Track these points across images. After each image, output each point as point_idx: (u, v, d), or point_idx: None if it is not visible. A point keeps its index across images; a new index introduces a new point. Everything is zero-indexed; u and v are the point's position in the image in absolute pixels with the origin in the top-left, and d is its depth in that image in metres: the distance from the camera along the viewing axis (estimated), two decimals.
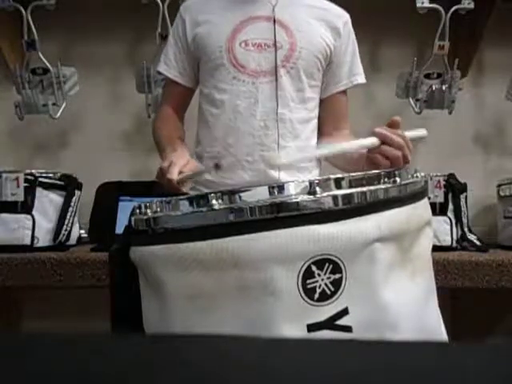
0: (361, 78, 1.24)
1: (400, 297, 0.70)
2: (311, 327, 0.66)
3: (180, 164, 0.98)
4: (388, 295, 0.69)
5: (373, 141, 0.89)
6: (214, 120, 1.17)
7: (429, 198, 0.83)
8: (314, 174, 1.20)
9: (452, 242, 1.63)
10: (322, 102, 1.23)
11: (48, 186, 1.61)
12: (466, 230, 1.67)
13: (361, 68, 1.24)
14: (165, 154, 1.14)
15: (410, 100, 1.89)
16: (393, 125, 0.90)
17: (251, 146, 1.13)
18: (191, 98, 1.30)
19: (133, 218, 0.76)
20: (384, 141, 0.88)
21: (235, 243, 0.66)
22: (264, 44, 1.13)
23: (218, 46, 1.14)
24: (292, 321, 0.66)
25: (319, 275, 0.65)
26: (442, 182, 1.64)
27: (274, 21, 1.14)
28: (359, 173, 0.72)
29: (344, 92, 1.25)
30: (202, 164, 1.17)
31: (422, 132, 0.96)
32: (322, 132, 1.24)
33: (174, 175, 0.96)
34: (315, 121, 1.21)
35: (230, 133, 1.14)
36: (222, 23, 1.15)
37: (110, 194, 1.79)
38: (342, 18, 1.20)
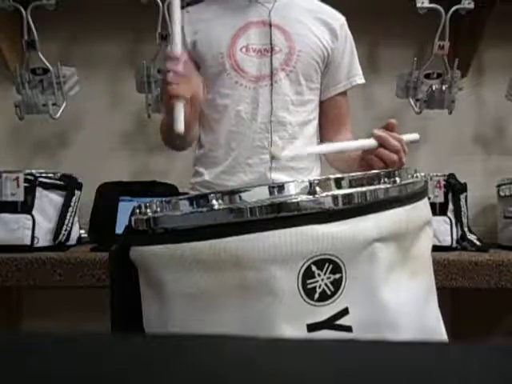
0: (359, 79, 1.24)
1: (400, 297, 0.70)
2: (311, 327, 0.66)
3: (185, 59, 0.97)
4: (388, 295, 0.69)
5: (371, 142, 0.91)
6: (217, 125, 1.17)
7: (429, 198, 0.83)
8: (314, 175, 1.20)
9: (452, 242, 1.63)
10: (322, 104, 1.23)
11: (48, 186, 1.61)
12: (465, 229, 1.67)
13: (359, 69, 1.25)
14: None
15: (410, 100, 1.89)
16: (389, 127, 0.91)
17: (251, 149, 1.13)
18: None
19: (133, 218, 0.76)
20: (382, 143, 0.90)
21: (235, 243, 0.66)
22: (264, 49, 1.14)
23: (218, 53, 1.14)
24: (292, 321, 0.66)
25: (319, 275, 0.66)
26: (442, 182, 1.64)
27: (270, 25, 1.14)
28: (359, 173, 0.72)
29: (344, 93, 1.25)
30: (204, 170, 1.17)
31: (414, 136, 0.98)
32: (323, 134, 1.25)
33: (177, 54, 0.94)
34: (315, 123, 1.21)
35: (232, 137, 1.14)
36: (221, 30, 1.16)
37: (110, 194, 1.79)
38: (339, 20, 1.21)
